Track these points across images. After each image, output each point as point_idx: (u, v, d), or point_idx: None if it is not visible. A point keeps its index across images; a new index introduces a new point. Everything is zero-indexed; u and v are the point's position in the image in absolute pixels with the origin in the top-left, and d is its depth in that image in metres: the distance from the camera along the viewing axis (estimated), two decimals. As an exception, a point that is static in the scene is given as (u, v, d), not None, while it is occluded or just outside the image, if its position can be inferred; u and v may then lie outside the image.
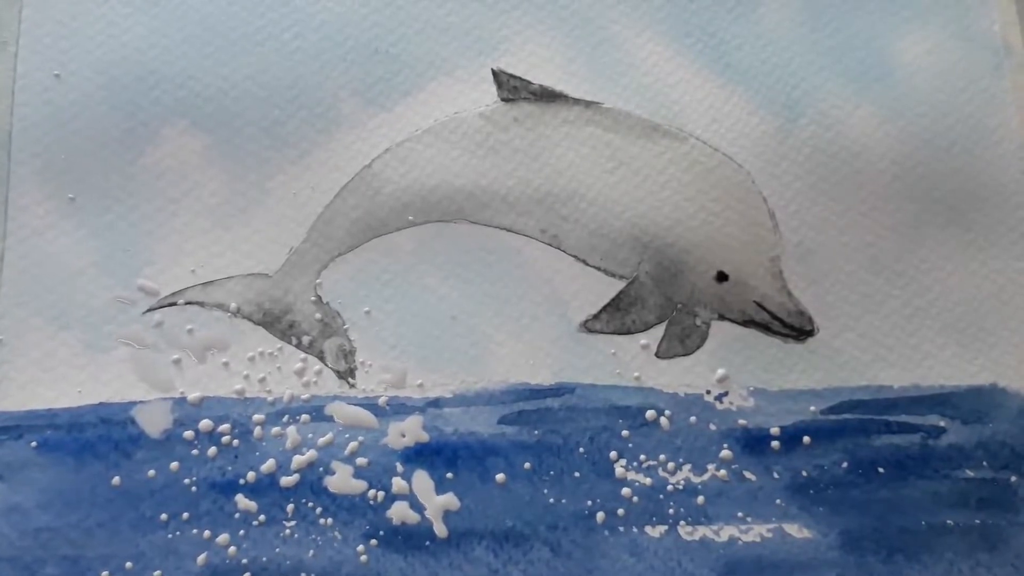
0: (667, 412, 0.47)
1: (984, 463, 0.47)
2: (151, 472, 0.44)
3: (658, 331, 0.48)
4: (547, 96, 0.51)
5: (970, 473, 0.47)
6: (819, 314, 0.48)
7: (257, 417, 0.46)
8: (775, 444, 0.46)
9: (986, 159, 0.51)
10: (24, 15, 0.50)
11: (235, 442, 0.45)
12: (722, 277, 0.48)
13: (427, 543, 0.44)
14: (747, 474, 0.46)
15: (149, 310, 0.47)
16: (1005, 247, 0.50)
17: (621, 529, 0.45)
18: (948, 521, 0.46)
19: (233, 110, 0.49)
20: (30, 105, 0.49)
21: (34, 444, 0.45)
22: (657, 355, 0.48)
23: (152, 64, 0.49)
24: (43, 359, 0.46)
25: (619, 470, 0.46)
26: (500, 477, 0.45)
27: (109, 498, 0.44)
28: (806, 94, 0.52)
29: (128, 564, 0.43)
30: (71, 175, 0.48)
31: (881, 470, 0.46)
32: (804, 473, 0.46)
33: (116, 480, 0.44)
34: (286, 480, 0.45)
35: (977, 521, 0.46)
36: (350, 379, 0.46)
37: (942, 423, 0.47)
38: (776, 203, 0.50)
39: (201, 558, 0.43)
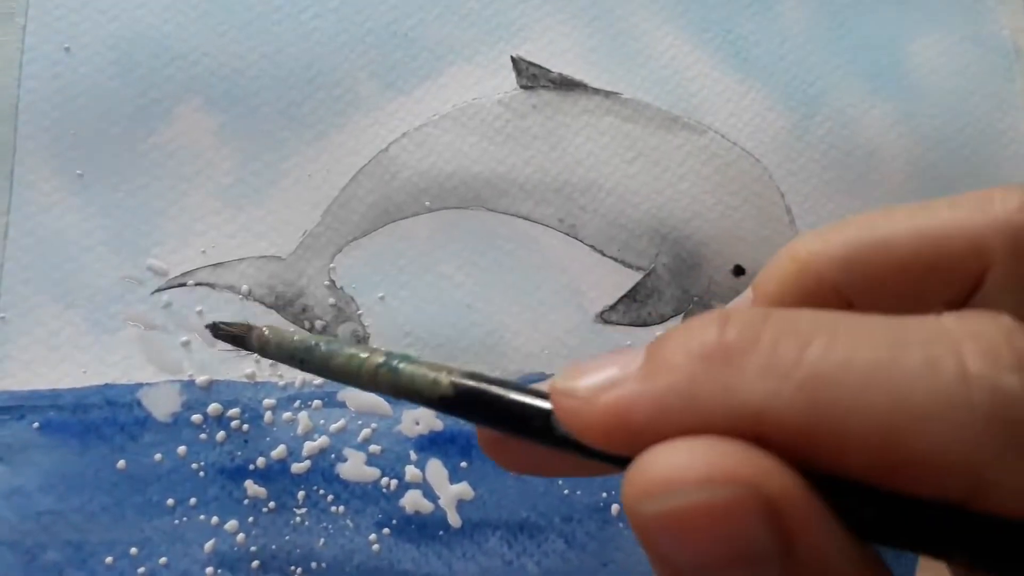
0: (682, 405, 0.46)
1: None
2: (158, 456, 0.43)
3: (675, 324, 0.48)
4: (566, 85, 0.50)
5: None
6: (833, 310, 0.48)
7: (268, 402, 0.45)
8: (789, 439, 0.46)
9: (996, 161, 0.52)
10: (34, -14, 0.49)
11: (245, 427, 0.44)
12: (739, 271, 0.48)
13: (440, 532, 0.43)
14: (761, 468, 0.46)
15: (158, 290, 0.46)
16: (1015, 248, 0.50)
17: (636, 521, 0.44)
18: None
19: (248, 89, 0.48)
20: (38, 78, 0.47)
21: (37, 425, 0.43)
22: (673, 347, 0.47)
23: (166, 40, 0.48)
24: (48, 338, 0.44)
25: (634, 462, 0.45)
26: (515, 467, 0.45)
27: (114, 482, 0.43)
28: (822, 92, 0.52)
29: (133, 550, 0.42)
30: (80, 151, 0.47)
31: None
32: (818, 468, 0.46)
33: (121, 464, 0.43)
34: (297, 467, 0.44)
35: (987, 519, 0.46)
36: (364, 365, 0.46)
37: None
38: (792, 199, 0.50)
39: (209, 544, 0.42)
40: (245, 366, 0.45)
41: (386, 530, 0.43)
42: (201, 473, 0.43)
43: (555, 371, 0.46)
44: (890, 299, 0.24)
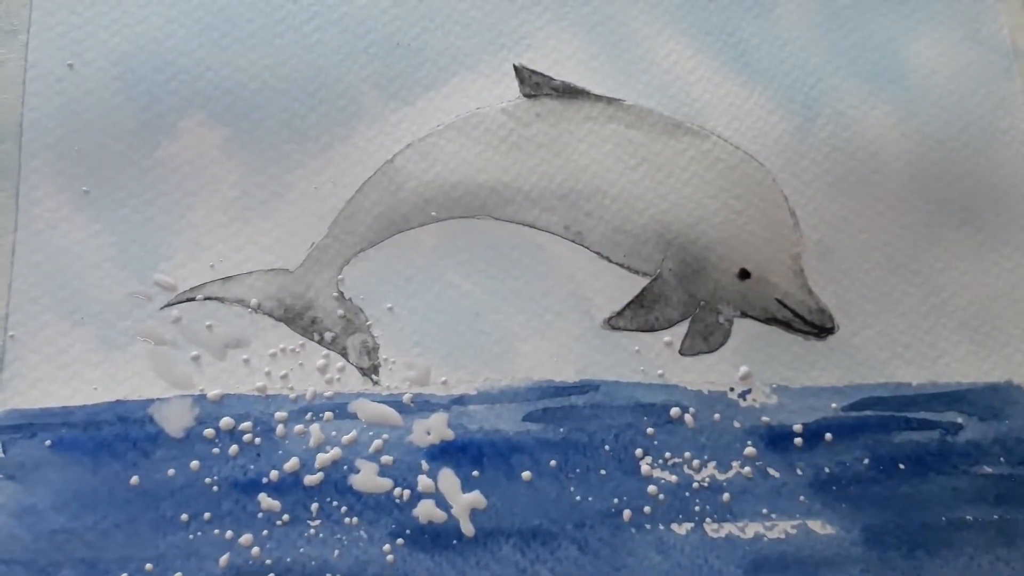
0: (691, 409, 0.46)
1: (1001, 459, 0.47)
2: (171, 471, 0.43)
3: (681, 328, 0.48)
4: (569, 92, 0.50)
5: (988, 469, 0.47)
6: (839, 312, 0.49)
7: (279, 415, 0.45)
8: (798, 441, 0.47)
9: (998, 160, 0.52)
10: (35, 2, 0.49)
11: (257, 440, 0.44)
12: (745, 275, 0.49)
13: (454, 542, 0.44)
14: (771, 471, 0.46)
15: (167, 306, 0.46)
16: (1017, 246, 0.51)
17: (648, 527, 0.45)
18: (967, 516, 0.46)
19: (252, 103, 0.48)
20: (42, 95, 0.47)
21: (49, 443, 0.43)
22: (681, 352, 0.48)
23: (169, 55, 0.48)
24: (57, 355, 0.44)
25: (645, 467, 0.45)
26: (526, 475, 0.45)
27: (127, 498, 0.43)
28: (823, 94, 0.52)
29: (148, 566, 0.42)
30: (85, 168, 0.47)
31: (901, 466, 0.47)
32: (827, 470, 0.46)
33: (134, 480, 0.43)
34: (310, 479, 0.44)
35: (995, 516, 0.46)
36: (374, 376, 0.46)
37: (959, 420, 0.48)
38: (796, 201, 0.50)
39: (223, 559, 0.42)
40: (256, 379, 0.45)
41: (400, 540, 0.43)
42: (215, 487, 0.43)
43: (564, 378, 0.46)
44: None
